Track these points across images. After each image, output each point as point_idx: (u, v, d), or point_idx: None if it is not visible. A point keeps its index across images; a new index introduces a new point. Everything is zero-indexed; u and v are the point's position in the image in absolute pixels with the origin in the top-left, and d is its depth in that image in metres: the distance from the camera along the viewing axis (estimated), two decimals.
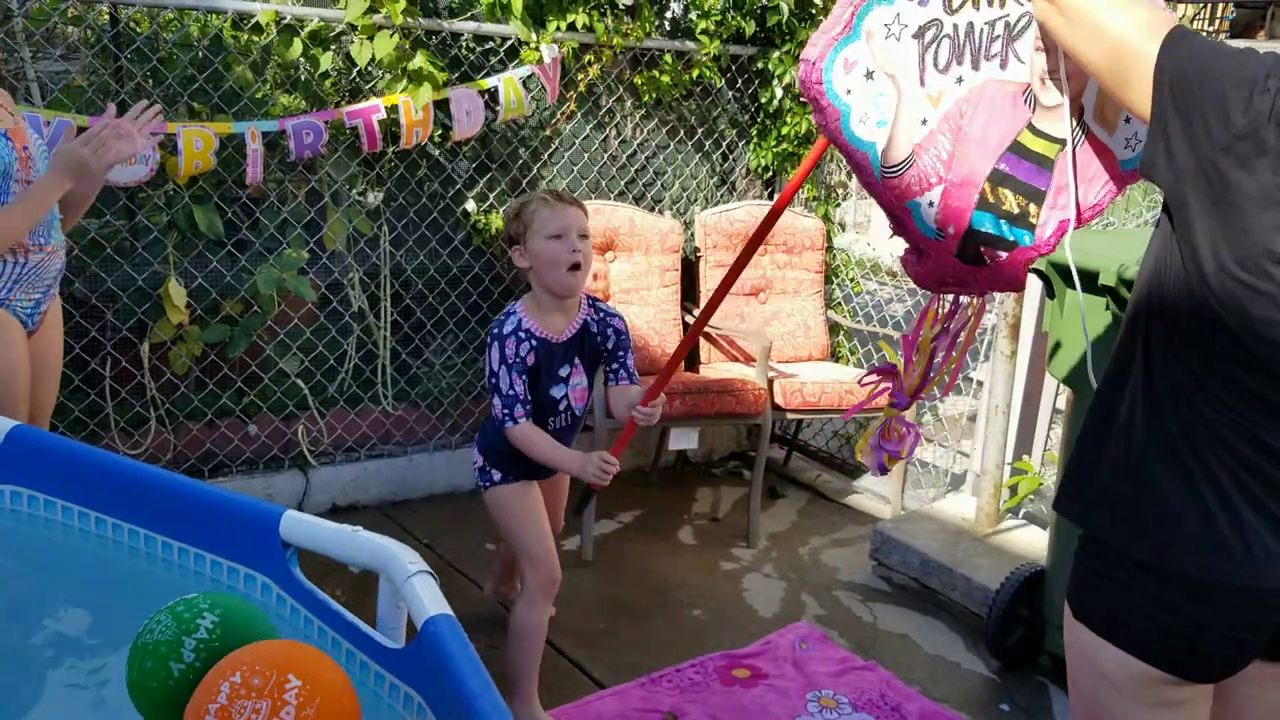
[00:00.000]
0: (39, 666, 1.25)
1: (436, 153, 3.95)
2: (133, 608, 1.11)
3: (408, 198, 3.91)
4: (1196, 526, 1.39)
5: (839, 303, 4.88)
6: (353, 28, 3.52)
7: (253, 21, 3.42)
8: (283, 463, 3.84)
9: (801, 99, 4.60)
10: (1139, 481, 1.44)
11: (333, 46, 3.60)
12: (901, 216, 1.89)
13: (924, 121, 1.83)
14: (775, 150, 4.66)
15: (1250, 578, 1.38)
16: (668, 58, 4.30)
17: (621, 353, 2.72)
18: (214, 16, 3.48)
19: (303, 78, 3.64)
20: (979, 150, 1.86)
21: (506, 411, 2.53)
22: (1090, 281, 2.72)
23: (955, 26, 1.81)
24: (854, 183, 5.04)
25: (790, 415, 4.11)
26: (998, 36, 1.84)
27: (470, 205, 4.04)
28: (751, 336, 4.18)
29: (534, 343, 2.55)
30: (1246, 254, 1.31)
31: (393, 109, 3.57)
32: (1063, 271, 2.82)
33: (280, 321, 3.75)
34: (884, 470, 2.22)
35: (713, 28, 4.33)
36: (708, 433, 4.63)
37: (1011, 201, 1.88)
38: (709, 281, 4.38)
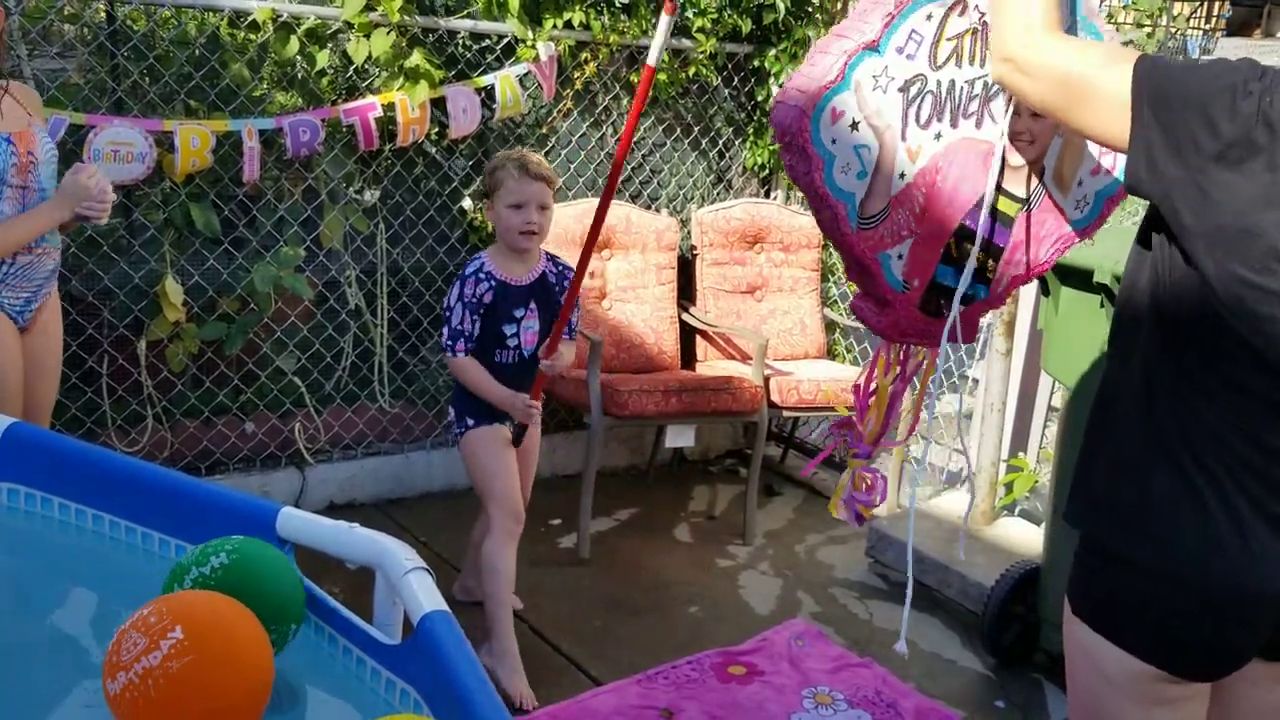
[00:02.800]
0: (35, 663, 1.25)
1: (433, 150, 3.95)
2: (129, 604, 1.11)
3: (404, 195, 3.92)
4: (1195, 527, 1.40)
5: (835, 300, 4.88)
6: (349, 25, 3.52)
7: (249, 19, 3.42)
8: (280, 460, 3.84)
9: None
10: (1137, 483, 1.44)
11: (329, 44, 3.60)
12: (871, 268, 1.89)
13: (902, 175, 1.84)
14: (771, 148, 4.67)
15: (1249, 578, 1.39)
16: (664, 56, 4.30)
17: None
18: (211, 14, 3.48)
19: (299, 75, 3.64)
20: (949, 206, 1.89)
21: (450, 343, 2.84)
22: (1085, 280, 2.73)
23: (939, 83, 1.82)
24: None
25: (786, 413, 4.12)
26: (976, 95, 1.86)
27: (467, 203, 4.04)
28: (748, 334, 4.19)
29: (493, 284, 2.85)
30: (1252, 255, 1.32)
31: (389, 107, 3.57)
32: (1059, 271, 2.83)
33: (277, 319, 3.75)
34: (860, 521, 2.22)
35: (709, 26, 4.33)
36: (704, 430, 4.64)
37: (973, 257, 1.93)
38: (706, 280, 4.38)
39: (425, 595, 1.20)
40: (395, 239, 3.95)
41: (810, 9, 4.53)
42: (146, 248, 3.45)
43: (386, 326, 3.99)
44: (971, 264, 1.91)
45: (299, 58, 3.56)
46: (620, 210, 4.21)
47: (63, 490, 1.51)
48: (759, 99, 4.64)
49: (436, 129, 3.78)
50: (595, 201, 4.17)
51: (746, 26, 4.42)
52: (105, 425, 3.52)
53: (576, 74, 4.12)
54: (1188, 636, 1.43)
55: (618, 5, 4.09)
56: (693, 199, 4.64)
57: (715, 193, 4.74)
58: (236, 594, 1.12)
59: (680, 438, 3.90)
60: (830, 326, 4.71)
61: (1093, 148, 1.95)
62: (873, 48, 1.74)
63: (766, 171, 4.80)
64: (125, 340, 3.49)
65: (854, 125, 1.76)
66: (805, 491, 4.53)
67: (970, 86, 1.85)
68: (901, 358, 2.08)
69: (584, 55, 4.11)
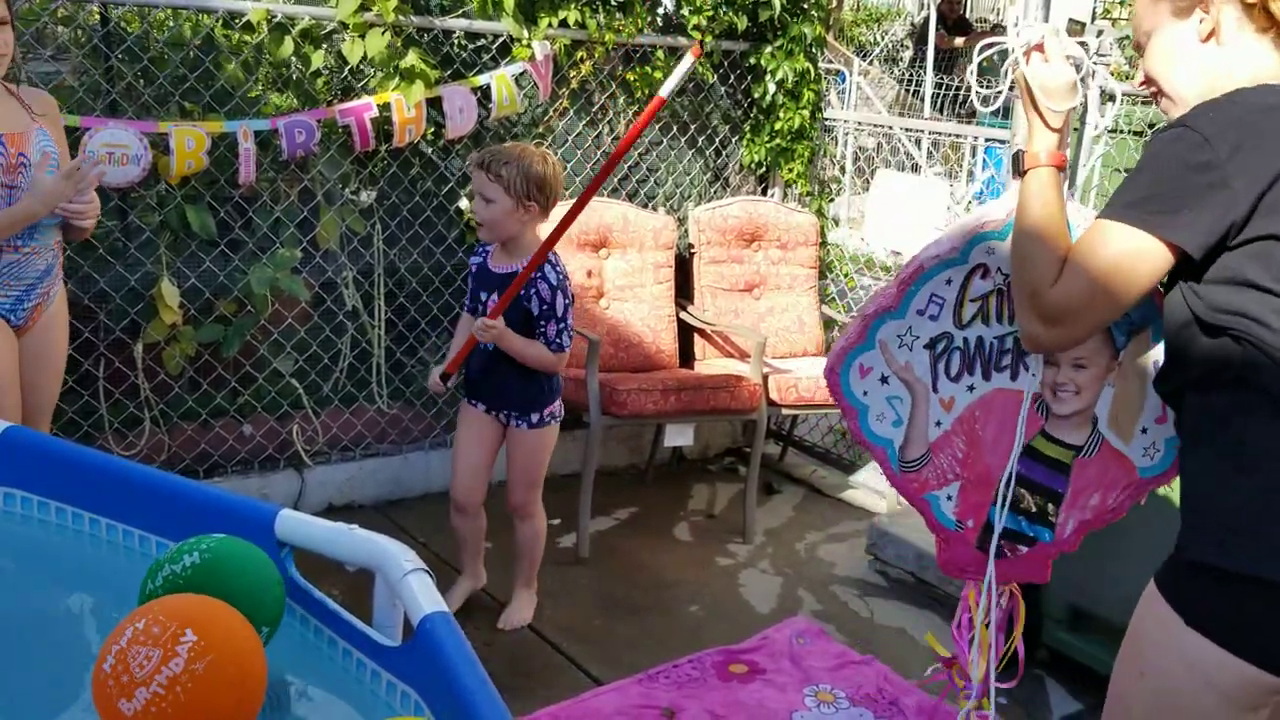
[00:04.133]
0: (32, 668, 1.24)
1: (429, 151, 3.94)
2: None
3: (401, 196, 3.91)
4: None
5: (833, 298, 4.88)
6: (344, 26, 3.51)
7: (244, 20, 3.41)
8: (278, 462, 3.83)
9: (794, 94, 4.62)
10: None
11: (324, 45, 3.59)
12: (920, 508, 2.00)
13: (938, 424, 1.94)
14: (768, 145, 4.66)
15: None
16: (660, 54, 4.29)
17: (543, 322, 2.88)
18: (205, 15, 3.47)
19: (294, 76, 3.63)
20: (992, 453, 1.96)
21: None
22: None
23: (965, 340, 1.91)
24: (847, 178, 5.04)
25: (785, 411, 4.11)
26: (1008, 350, 1.93)
27: (464, 203, 4.03)
28: (746, 332, 4.18)
29: (479, 262, 3.02)
30: None
31: (385, 107, 3.56)
32: None
33: (274, 321, 3.75)
34: None
35: (704, 23, 4.32)
36: (703, 429, 4.63)
37: (1029, 500, 1.99)
38: (703, 278, 4.38)
39: (425, 597, 1.19)
40: (392, 240, 3.94)
41: (806, 6, 4.52)
42: (142, 250, 3.44)
43: (384, 327, 3.98)
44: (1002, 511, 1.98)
45: (294, 58, 3.55)
46: (617, 209, 4.20)
47: (60, 495, 1.51)
48: (755, 96, 4.63)
49: (432, 129, 3.77)
50: (592, 200, 4.17)
51: (742, 24, 4.40)
52: (102, 428, 3.51)
53: (573, 73, 4.12)
54: None
55: (613, 3, 4.08)
56: (690, 197, 4.64)
57: (712, 191, 4.74)
58: (206, 593, 1.11)
59: (679, 436, 3.89)
60: (829, 323, 4.70)
61: (1153, 397, 1.91)
62: (891, 311, 1.90)
63: (763, 169, 4.79)
64: (122, 343, 3.48)
65: (884, 379, 1.93)
66: (805, 489, 4.52)
67: (1000, 342, 1.92)
68: (987, 595, 2.10)
69: (580, 54, 4.10)
